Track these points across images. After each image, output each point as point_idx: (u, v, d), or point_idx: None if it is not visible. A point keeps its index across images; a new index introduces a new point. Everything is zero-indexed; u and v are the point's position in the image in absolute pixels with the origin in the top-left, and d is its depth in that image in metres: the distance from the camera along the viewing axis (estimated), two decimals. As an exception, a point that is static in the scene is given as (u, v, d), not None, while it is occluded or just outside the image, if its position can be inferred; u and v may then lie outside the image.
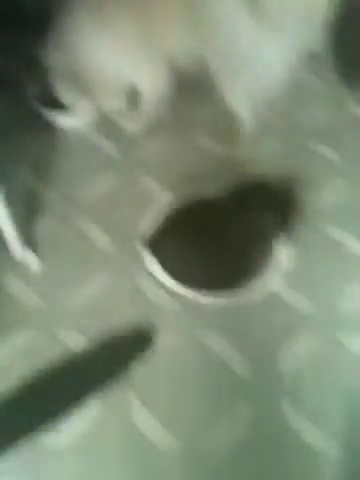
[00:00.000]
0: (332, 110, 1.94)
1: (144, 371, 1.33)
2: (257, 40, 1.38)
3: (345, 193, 1.70)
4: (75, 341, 1.36)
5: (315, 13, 1.94)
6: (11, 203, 1.39)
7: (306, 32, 1.45)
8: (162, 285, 1.42)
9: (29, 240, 1.53)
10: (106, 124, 1.86)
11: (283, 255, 1.44)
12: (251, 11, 1.32)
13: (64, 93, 1.70)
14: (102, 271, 1.50)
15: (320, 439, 1.25)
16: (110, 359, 1.33)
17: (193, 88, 1.90)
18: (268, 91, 1.55)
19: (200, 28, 1.43)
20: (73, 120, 1.82)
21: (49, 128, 1.81)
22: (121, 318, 1.41)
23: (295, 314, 1.44)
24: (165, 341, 1.38)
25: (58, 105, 1.75)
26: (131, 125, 1.86)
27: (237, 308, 1.43)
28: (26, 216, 1.60)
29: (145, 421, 1.26)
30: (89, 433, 1.23)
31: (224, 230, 1.35)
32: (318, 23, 1.98)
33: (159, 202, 1.59)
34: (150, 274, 1.43)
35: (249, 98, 1.61)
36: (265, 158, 1.78)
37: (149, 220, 1.50)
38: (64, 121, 1.82)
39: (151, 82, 1.70)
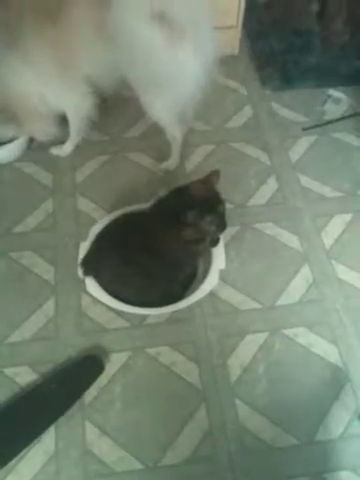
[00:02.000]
0: (255, 111, 1.99)
1: (98, 395, 1.33)
2: (171, 53, 1.40)
3: (275, 190, 1.75)
4: (25, 376, 1.35)
5: (228, 19, 2.02)
6: None
7: (216, 36, 1.48)
8: (106, 306, 1.43)
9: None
10: (38, 153, 1.86)
11: (221, 257, 1.46)
12: (161, 26, 1.35)
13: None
14: (47, 301, 1.50)
15: (275, 434, 1.27)
16: (62, 389, 1.31)
17: (122, 107, 1.94)
18: (191, 100, 1.57)
19: (116, 49, 1.44)
20: (4, 154, 1.82)
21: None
22: (70, 346, 1.41)
23: (239, 313, 1.47)
24: (116, 362, 1.38)
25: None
26: (62, 150, 1.87)
27: (182, 317, 1.45)
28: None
29: (103, 446, 1.25)
30: (47, 468, 1.22)
31: (160, 243, 1.36)
32: (232, 28, 2.06)
33: (96, 223, 1.59)
34: (93, 297, 1.43)
35: (173, 111, 1.64)
36: (198, 167, 1.82)
37: (87, 243, 1.51)
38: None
39: (75, 105, 1.71)
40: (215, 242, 1.42)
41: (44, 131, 1.76)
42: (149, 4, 1.32)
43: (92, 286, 1.42)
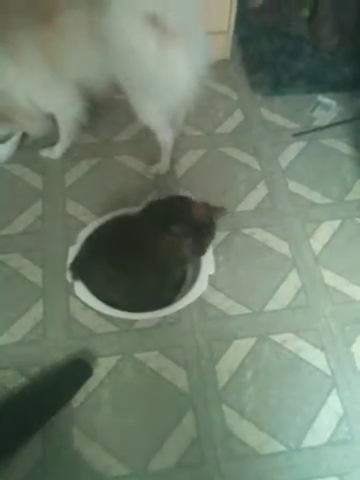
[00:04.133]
0: (246, 116, 2.00)
1: (86, 400, 1.32)
2: (163, 57, 1.40)
3: (265, 196, 1.76)
4: (12, 379, 1.34)
5: (219, 24, 2.03)
6: None
7: (208, 41, 1.49)
8: (94, 310, 1.42)
9: None
10: (28, 155, 1.85)
11: (209, 262, 1.47)
12: (154, 29, 1.35)
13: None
14: (35, 304, 1.49)
15: (263, 440, 1.28)
16: (50, 392, 1.31)
17: (112, 111, 1.93)
18: (182, 105, 1.57)
19: (108, 52, 1.44)
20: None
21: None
22: (58, 350, 1.40)
23: (227, 318, 1.47)
24: (105, 366, 1.38)
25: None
26: (52, 153, 1.86)
27: (170, 322, 1.45)
28: None
29: (90, 451, 1.25)
30: (34, 472, 1.21)
31: (148, 248, 1.35)
32: (223, 33, 2.07)
33: (86, 227, 1.58)
34: (82, 301, 1.43)
35: (164, 115, 1.64)
36: (188, 172, 1.83)
37: (76, 246, 1.50)
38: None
39: (64, 108, 1.71)
40: (202, 251, 1.41)
41: (35, 128, 1.75)
42: (142, 7, 1.32)
43: (81, 290, 1.41)
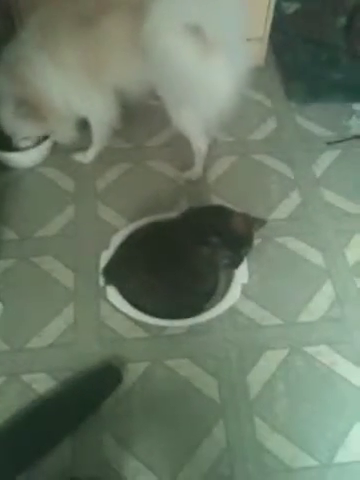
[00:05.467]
0: (279, 124, 1.98)
1: (115, 406, 1.31)
2: (203, 66, 1.39)
3: (298, 204, 1.73)
4: (42, 383, 1.34)
5: (255, 31, 2.02)
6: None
7: (248, 49, 1.48)
8: (126, 316, 1.42)
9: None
10: (60, 159, 1.86)
11: (243, 271, 1.45)
12: (194, 39, 1.34)
13: (15, 126, 1.70)
14: (66, 308, 1.49)
15: (294, 454, 1.25)
16: (80, 398, 1.31)
17: (145, 116, 1.93)
18: (217, 112, 1.56)
19: (147, 60, 1.44)
20: (27, 159, 1.82)
21: (4, 169, 1.81)
22: (88, 354, 1.40)
23: (259, 328, 1.45)
24: (135, 372, 1.37)
25: (11, 145, 1.75)
26: (84, 157, 1.87)
27: (201, 330, 1.43)
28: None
29: (120, 458, 1.24)
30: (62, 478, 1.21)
31: (184, 256, 1.35)
32: (259, 40, 2.06)
33: (118, 232, 1.58)
34: (113, 305, 1.43)
35: (200, 122, 1.63)
36: (221, 178, 1.82)
37: (109, 251, 1.50)
38: (18, 161, 1.81)
39: (100, 112, 1.71)
40: (239, 263, 1.40)
41: (64, 133, 1.76)
42: (182, 17, 1.32)
43: (113, 295, 1.41)
